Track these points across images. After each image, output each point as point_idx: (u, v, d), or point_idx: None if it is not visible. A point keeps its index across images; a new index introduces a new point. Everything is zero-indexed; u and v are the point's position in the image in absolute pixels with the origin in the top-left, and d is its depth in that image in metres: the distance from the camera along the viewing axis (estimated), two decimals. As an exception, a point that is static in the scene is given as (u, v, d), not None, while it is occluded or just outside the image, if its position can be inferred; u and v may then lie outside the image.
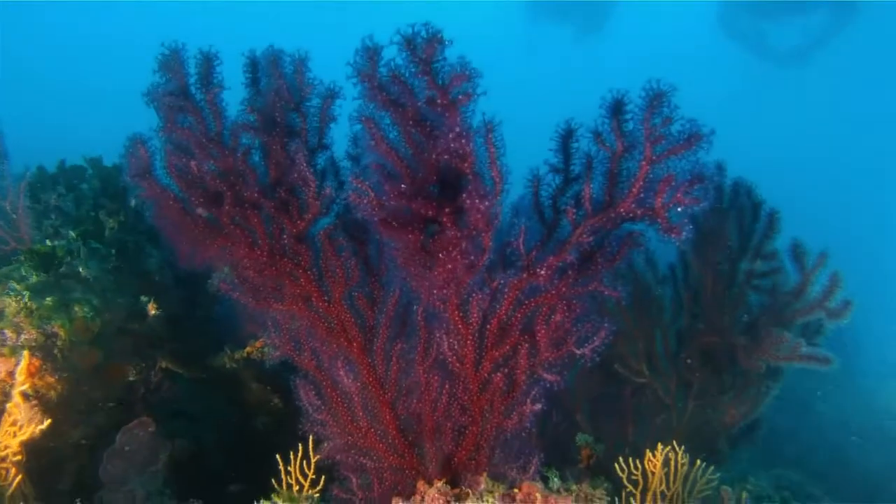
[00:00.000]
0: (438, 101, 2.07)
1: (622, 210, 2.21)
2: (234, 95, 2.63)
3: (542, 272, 2.31)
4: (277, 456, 2.82)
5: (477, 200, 2.14)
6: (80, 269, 3.14)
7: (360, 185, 2.28)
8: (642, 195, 2.16)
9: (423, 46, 2.04)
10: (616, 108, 2.16)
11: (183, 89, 2.55)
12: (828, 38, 25.48)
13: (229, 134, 2.60)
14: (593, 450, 3.64)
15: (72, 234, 3.25)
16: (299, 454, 2.80)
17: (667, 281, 4.08)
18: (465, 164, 2.12)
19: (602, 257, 2.35)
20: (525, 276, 2.36)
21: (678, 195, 2.08)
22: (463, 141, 2.09)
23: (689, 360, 3.94)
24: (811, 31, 25.15)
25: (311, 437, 2.86)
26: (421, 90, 2.13)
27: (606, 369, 4.05)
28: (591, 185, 2.27)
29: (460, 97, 2.06)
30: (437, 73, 2.07)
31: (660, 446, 3.04)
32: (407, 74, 2.13)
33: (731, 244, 3.84)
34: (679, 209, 2.08)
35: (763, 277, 3.80)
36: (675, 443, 3.08)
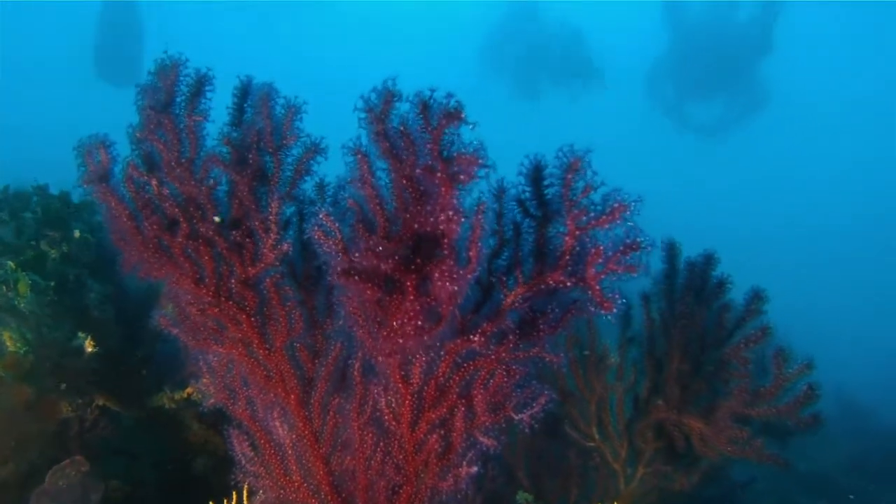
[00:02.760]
0: (438, 173, 1.99)
1: (552, 281, 2.17)
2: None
3: (476, 338, 2.27)
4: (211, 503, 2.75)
5: (448, 283, 2.08)
6: (16, 302, 3.05)
7: (328, 224, 2.18)
8: (570, 267, 2.12)
9: (439, 117, 1.95)
10: (535, 175, 2.13)
11: (167, 105, 2.46)
12: (740, 120, 28.48)
13: (201, 163, 2.51)
14: (535, 509, 3.57)
15: (10, 264, 3.15)
16: (234, 500, 2.73)
17: (634, 341, 3.91)
18: (445, 241, 2.06)
19: (544, 323, 2.31)
20: (460, 340, 2.32)
21: (610, 264, 2.05)
22: (452, 224, 2.02)
23: (643, 432, 3.83)
24: (726, 112, 28.11)
25: (245, 487, 2.78)
26: (424, 155, 2.04)
27: (551, 428, 3.97)
28: (520, 253, 2.24)
29: (461, 177, 1.97)
30: (446, 146, 1.98)
31: (603, 509, 2.98)
32: (416, 135, 2.04)
33: (705, 331, 3.68)
34: (613, 278, 2.05)
35: (731, 376, 3.61)
36: (618, 505, 3.03)
